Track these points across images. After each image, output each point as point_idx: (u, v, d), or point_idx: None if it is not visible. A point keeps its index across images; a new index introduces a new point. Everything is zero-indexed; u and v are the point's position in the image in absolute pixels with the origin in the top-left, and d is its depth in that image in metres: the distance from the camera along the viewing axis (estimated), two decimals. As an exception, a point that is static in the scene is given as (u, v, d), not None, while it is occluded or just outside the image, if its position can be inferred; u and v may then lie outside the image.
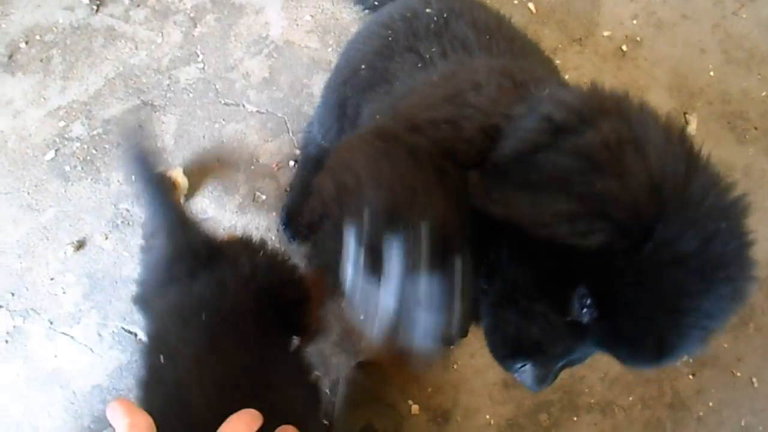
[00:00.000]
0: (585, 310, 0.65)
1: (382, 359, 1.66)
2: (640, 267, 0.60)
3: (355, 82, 1.33)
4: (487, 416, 1.66)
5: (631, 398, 1.73)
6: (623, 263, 0.61)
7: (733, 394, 1.78)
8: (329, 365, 1.64)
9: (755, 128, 1.95)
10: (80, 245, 1.66)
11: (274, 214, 1.70)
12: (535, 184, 0.64)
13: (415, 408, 1.63)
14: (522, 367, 0.73)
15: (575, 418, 1.70)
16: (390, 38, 1.28)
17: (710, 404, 1.76)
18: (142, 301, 1.06)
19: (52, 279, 1.63)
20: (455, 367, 1.68)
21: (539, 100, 0.73)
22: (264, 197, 1.72)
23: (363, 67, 1.32)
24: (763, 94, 1.98)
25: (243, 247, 1.07)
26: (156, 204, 1.08)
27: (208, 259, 0.99)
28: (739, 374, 1.79)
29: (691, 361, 1.76)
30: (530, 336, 0.70)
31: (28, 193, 1.68)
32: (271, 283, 1.00)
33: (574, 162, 0.62)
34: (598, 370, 1.72)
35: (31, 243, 1.66)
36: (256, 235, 1.67)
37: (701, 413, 1.75)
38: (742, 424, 1.76)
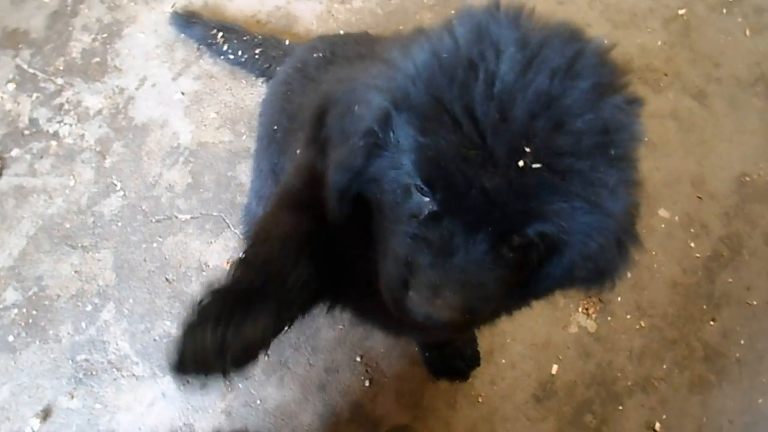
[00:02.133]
0: (429, 195, 0.73)
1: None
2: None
3: (274, 147, 1.38)
4: (531, 437, 1.53)
5: (665, 366, 1.63)
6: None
7: (757, 325, 1.70)
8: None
9: (665, 75, 2.00)
10: (46, 414, 1.50)
11: (240, 310, 1.60)
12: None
13: (455, 458, 1.49)
14: (414, 289, 0.75)
15: (620, 408, 1.58)
16: (288, 91, 1.38)
17: (742, 342, 1.68)
18: None
19: (25, 463, 1.46)
20: (480, 399, 1.56)
21: None
22: (225, 297, 1.62)
23: (275, 128, 1.38)
24: (659, 42, 2.05)
25: None
26: None
27: None
28: (755, 303, 1.72)
29: (705, 307, 1.69)
30: (405, 245, 0.75)
31: (-25, 379, 1.53)
32: None
33: None
34: (621, 349, 1.63)
35: (-10, 432, 1.49)
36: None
37: (738, 354, 1.66)
38: (780, 349, 1.68)
